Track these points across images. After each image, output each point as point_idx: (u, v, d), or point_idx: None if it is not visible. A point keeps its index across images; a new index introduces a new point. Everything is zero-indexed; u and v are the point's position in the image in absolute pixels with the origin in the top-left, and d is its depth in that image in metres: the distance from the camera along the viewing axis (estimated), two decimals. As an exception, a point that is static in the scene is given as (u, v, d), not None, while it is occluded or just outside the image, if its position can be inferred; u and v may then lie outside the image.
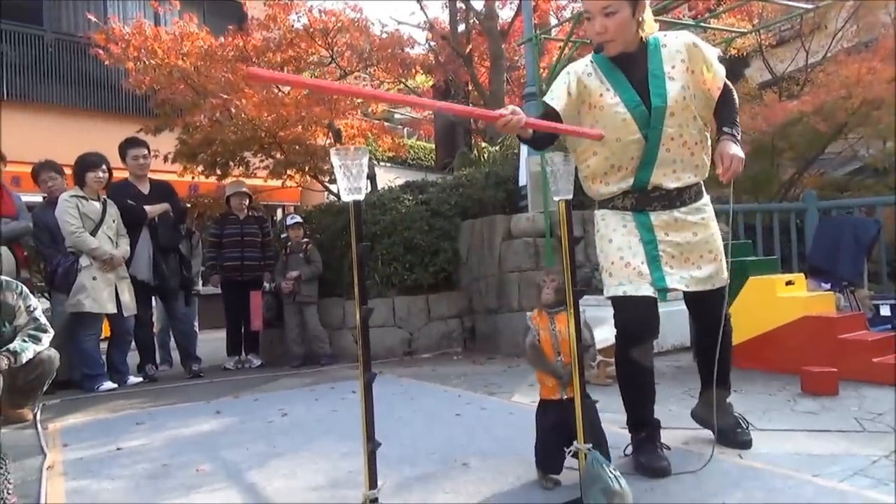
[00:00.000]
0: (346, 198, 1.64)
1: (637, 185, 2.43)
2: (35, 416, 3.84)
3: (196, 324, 6.23)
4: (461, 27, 10.58)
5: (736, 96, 2.51)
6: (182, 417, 3.75)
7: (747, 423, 2.71)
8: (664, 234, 2.42)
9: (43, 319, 3.81)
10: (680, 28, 6.91)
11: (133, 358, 5.42)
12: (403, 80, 9.86)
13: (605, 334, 4.04)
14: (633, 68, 2.39)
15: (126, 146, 5.48)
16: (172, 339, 6.00)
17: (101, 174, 5.00)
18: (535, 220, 5.67)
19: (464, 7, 10.43)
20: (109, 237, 4.97)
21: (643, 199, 2.44)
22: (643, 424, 2.48)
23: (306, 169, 7.45)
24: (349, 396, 4.08)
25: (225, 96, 6.46)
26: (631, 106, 2.35)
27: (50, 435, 3.46)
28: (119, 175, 5.46)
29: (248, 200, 6.23)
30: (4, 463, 2.21)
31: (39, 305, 3.92)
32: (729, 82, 2.47)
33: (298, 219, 6.14)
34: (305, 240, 5.97)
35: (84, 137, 7.69)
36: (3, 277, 3.80)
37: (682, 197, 2.45)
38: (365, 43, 8.05)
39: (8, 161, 5.09)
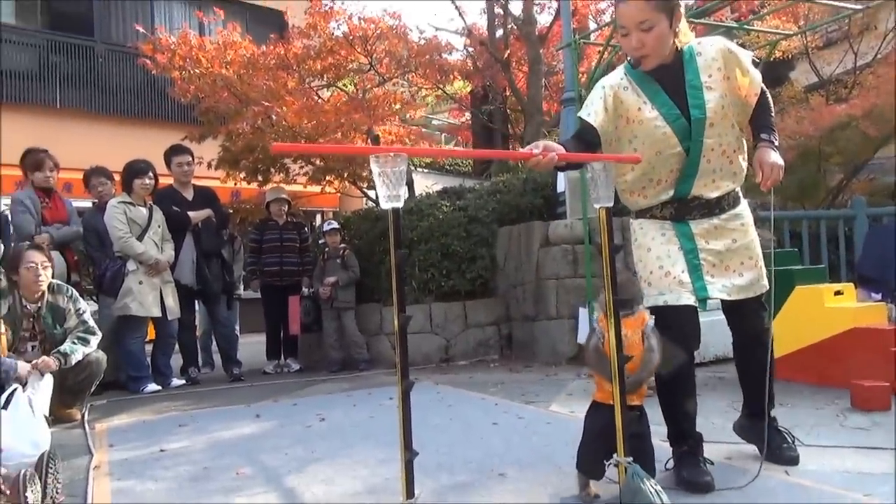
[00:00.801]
0: (385, 205, 1.65)
1: (677, 195, 2.40)
2: (83, 415, 3.96)
3: (237, 327, 6.34)
4: (499, 32, 10.58)
5: (770, 100, 2.46)
6: (223, 420, 3.81)
7: (794, 437, 2.63)
8: (704, 243, 2.38)
9: (92, 322, 3.93)
10: (723, 31, 6.80)
11: (176, 360, 5.55)
12: (441, 86, 9.89)
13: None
14: (669, 79, 2.34)
15: (171, 153, 5.62)
16: (214, 342, 6.12)
17: (147, 181, 5.14)
18: (573, 226, 5.61)
19: (502, 12, 10.43)
20: (155, 242, 5.09)
21: (683, 209, 2.41)
22: (685, 437, 2.43)
23: (345, 175, 7.54)
24: (386, 402, 4.10)
25: (266, 104, 6.58)
26: (670, 119, 2.31)
27: (97, 435, 3.56)
28: (164, 181, 5.60)
29: (287, 206, 6.33)
30: (54, 462, 2.27)
31: (88, 308, 4.05)
32: (764, 86, 2.42)
33: (335, 225, 6.21)
34: (343, 245, 6.03)
35: (132, 144, 7.91)
36: (55, 281, 3.93)
37: (720, 204, 2.41)
38: (403, 49, 8.11)
39: (60, 167, 5.27)
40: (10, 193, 5.33)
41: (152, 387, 4.96)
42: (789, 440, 2.57)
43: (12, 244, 4.49)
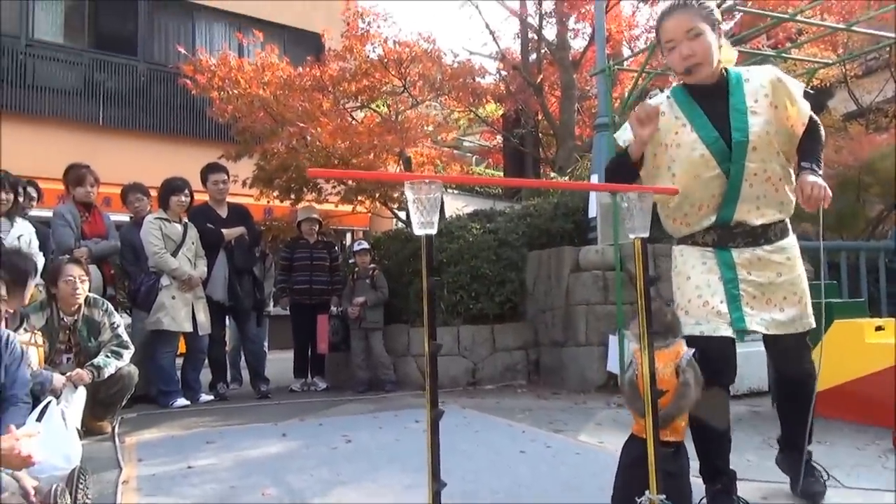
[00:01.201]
0: (419, 231, 1.64)
1: (719, 221, 2.35)
2: (113, 428, 4.01)
3: (266, 344, 6.39)
4: (532, 57, 10.63)
5: (822, 133, 2.43)
6: (250, 438, 3.82)
7: (828, 474, 2.53)
8: (746, 273, 2.32)
9: (125, 336, 4.00)
10: (760, 59, 6.73)
11: (205, 375, 5.60)
12: (473, 108, 9.95)
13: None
14: (712, 102, 2.32)
15: (207, 171, 5.72)
16: (243, 358, 6.17)
17: (183, 198, 5.24)
18: (604, 252, 5.56)
19: (536, 37, 10.49)
20: (189, 258, 5.17)
21: (726, 235, 2.36)
22: (719, 474, 2.35)
23: (376, 195, 7.59)
24: (412, 425, 4.07)
25: (301, 124, 6.68)
26: (708, 141, 2.29)
27: (126, 449, 3.59)
28: (200, 199, 5.69)
29: (318, 226, 6.38)
30: (85, 477, 2.30)
31: (122, 322, 4.11)
32: (816, 117, 2.39)
33: (365, 245, 6.23)
34: (372, 266, 6.05)
35: (170, 161, 8.10)
36: (91, 294, 4.01)
37: (766, 234, 2.35)
38: (437, 72, 8.19)
39: (100, 182, 5.40)
40: (53, 207, 5.46)
41: (181, 401, 5.00)
42: (818, 475, 2.49)
43: (53, 257, 4.59)
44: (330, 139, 6.59)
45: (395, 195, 7.63)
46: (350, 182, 7.31)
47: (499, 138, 14.06)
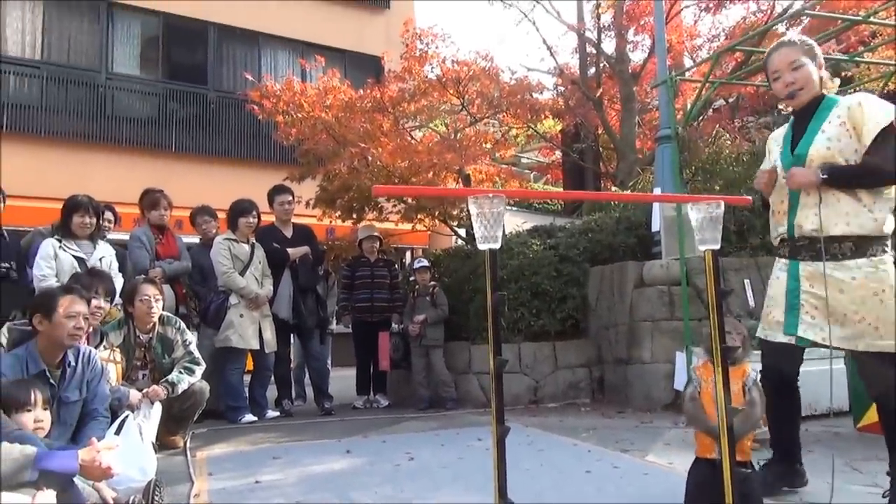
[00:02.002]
0: (483, 246, 1.64)
1: (789, 231, 2.65)
2: (185, 443, 4.13)
3: (329, 362, 6.49)
4: (591, 71, 10.55)
5: (875, 162, 2.46)
6: (315, 454, 3.87)
7: None
8: (809, 286, 2.55)
9: (197, 353, 4.14)
10: (831, 64, 6.46)
11: (271, 392, 5.72)
12: (532, 124, 9.93)
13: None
14: (802, 124, 2.66)
15: (274, 193, 5.90)
16: (307, 375, 6.28)
17: (251, 219, 5.41)
18: (669, 267, 5.42)
19: (594, 51, 10.41)
20: (256, 277, 5.32)
21: (794, 248, 2.65)
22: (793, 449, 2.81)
23: (436, 213, 7.64)
24: (475, 444, 4.04)
25: (363, 145, 6.81)
26: (783, 156, 2.70)
27: (197, 463, 3.70)
28: (265, 220, 5.86)
29: (378, 244, 6.47)
30: (160, 490, 2.37)
31: (194, 340, 4.26)
32: (881, 154, 2.44)
33: (426, 263, 6.27)
34: (432, 283, 6.08)
35: (237, 185, 8.37)
36: (165, 313, 4.17)
37: (830, 250, 2.50)
38: (495, 90, 8.22)
39: (173, 206, 5.63)
40: (130, 230, 5.72)
41: (249, 417, 5.12)
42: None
43: (129, 278, 4.80)
44: (390, 159, 6.69)
45: (455, 212, 7.66)
46: (410, 200, 7.39)
47: (557, 154, 13.98)
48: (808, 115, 2.62)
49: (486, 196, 1.62)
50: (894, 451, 2.50)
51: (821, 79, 2.62)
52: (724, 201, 1.87)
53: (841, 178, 2.46)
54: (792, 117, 2.74)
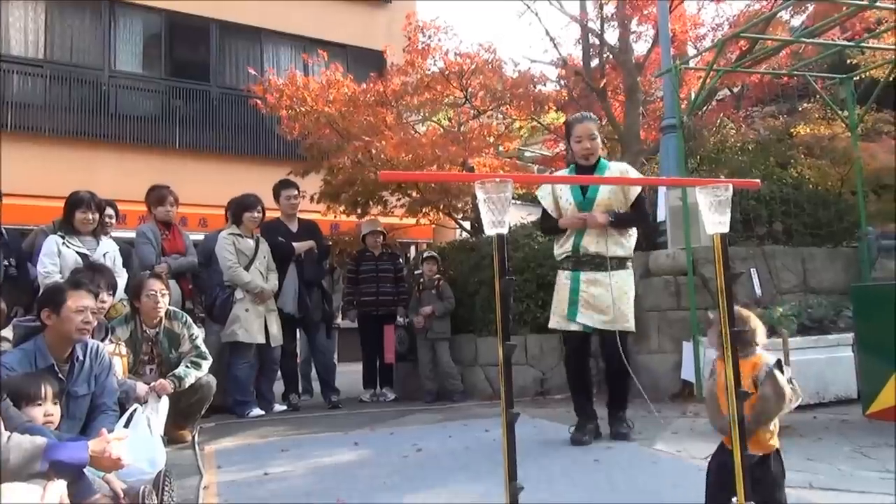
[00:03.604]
0: (490, 231, 1.63)
1: (574, 250, 3.75)
2: (193, 437, 4.14)
3: (335, 356, 6.49)
4: (594, 62, 10.47)
5: (639, 217, 3.91)
6: (323, 447, 3.88)
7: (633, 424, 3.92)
8: (585, 287, 3.71)
9: (203, 347, 4.14)
10: (836, 51, 6.43)
11: (278, 387, 5.73)
12: (536, 117, 9.88)
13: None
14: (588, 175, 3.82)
15: (280, 187, 5.89)
16: (313, 369, 6.28)
17: (256, 214, 5.40)
18: (675, 256, 5.40)
19: (597, 42, 10.34)
20: (261, 272, 5.32)
21: (578, 262, 3.75)
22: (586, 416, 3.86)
23: (440, 206, 7.62)
24: (482, 435, 4.04)
25: (366, 138, 6.80)
26: (574, 196, 3.78)
27: (206, 456, 3.71)
28: (269, 214, 5.85)
29: (382, 238, 6.46)
30: (170, 480, 2.38)
31: (201, 334, 4.26)
32: (639, 209, 3.84)
33: (433, 254, 6.27)
34: (437, 276, 6.07)
35: (241, 181, 8.33)
36: (171, 308, 4.17)
37: (606, 265, 3.67)
38: (498, 83, 8.18)
39: (179, 203, 5.63)
40: (135, 227, 5.71)
41: (256, 411, 5.13)
42: (628, 425, 3.87)
43: (135, 273, 4.81)
44: (394, 152, 6.67)
45: (460, 205, 7.65)
46: (415, 193, 7.38)
47: (561, 146, 13.91)
48: (590, 170, 3.76)
49: (493, 180, 1.61)
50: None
51: (600, 147, 3.81)
52: (732, 184, 1.85)
53: (620, 222, 3.68)
54: (575, 167, 3.90)
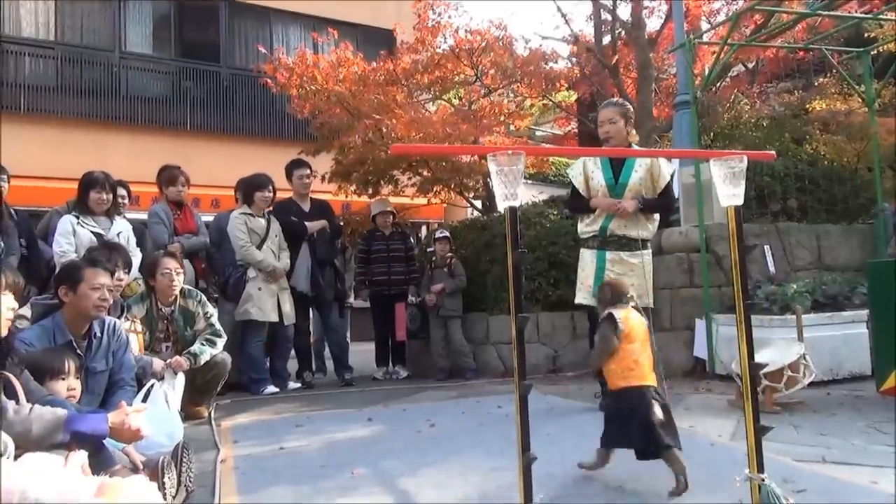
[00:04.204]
0: (503, 204, 1.64)
1: (602, 232, 3.90)
2: (210, 413, 4.20)
3: (348, 335, 6.53)
4: (607, 38, 10.35)
5: (666, 203, 4.10)
6: (337, 423, 3.92)
7: None
8: (610, 266, 3.84)
9: (218, 325, 4.18)
10: (853, 23, 6.31)
11: (291, 365, 5.78)
12: (547, 95, 9.80)
13: (770, 356, 3.73)
14: (619, 162, 3.89)
15: (292, 167, 5.90)
16: (327, 348, 6.33)
17: (267, 193, 5.42)
18: (688, 234, 5.37)
19: (609, 18, 10.21)
20: (273, 251, 5.35)
21: (604, 242, 3.90)
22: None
23: (451, 185, 7.61)
24: (495, 411, 4.07)
25: (377, 116, 6.78)
26: (607, 181, 3.91)
27: (222, 432, 3.76)
28: (280, 195, 5.86)
29: (392, 217, 6.46)
30: (188, 453, 2.42)
31: (215, 312, 4.30)
32: (667, 196, 3.98)
33: (446, 233, 6.27)
34: (450, 255, 6.08)
35: (252, 161, 8.34)
36: (186, 286, 4.21)
37: (630, 246, 3.83)
38: (509, 60, 8.11)
39: (191, 184, 5.64)
40: (147, 208, 5.75)
41: (271, 388, 5.19)
42: None
43: (148, 252, 4.84)
44: (405, 131, 6.65)
45: (471, 184, 7.63)
46: (426, 172, 7.36)
47: (573, 124, 13.81)
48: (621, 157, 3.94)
49: (506, 153, 1.61)
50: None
51: (628, 132, 3.85)
52: (746, 156, 1.84)
53: (648, 208, 3.86)
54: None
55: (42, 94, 10.22)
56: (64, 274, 2.88)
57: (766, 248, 5.31)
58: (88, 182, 4.42)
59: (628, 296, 2.67)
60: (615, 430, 2.48)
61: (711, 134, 6.89)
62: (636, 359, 2.50)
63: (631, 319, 2.57)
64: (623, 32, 9.97)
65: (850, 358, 4.54)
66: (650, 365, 2.52)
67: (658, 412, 2.37)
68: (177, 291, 4.05)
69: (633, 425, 2.38)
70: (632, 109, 4.03)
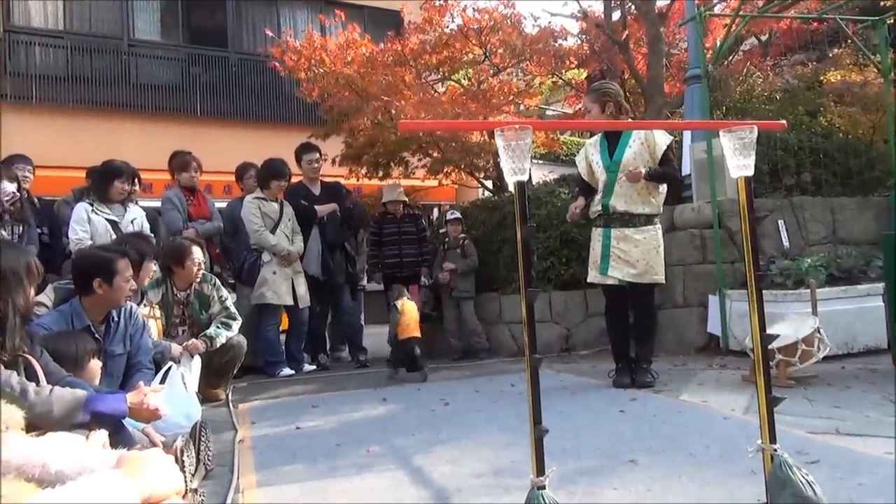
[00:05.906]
0: (511, 179, 1.63)
1: (604, 209, 3.99)
2: (227, 395, 4.26)
3: (362, 317, 6.57)
4: (616, 14, 10.21)
5: (670, 172, 4.05)
6: (352, 403, 3.97)
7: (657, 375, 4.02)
8: (615, 243, 3.94)
9: (233, 308, 4.22)
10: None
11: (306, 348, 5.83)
12: (557, 73, 9.71)
13: (784, 330, 3.71)
14: (615, 139, 4.04)
15: (301, 151, 5.91)
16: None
17: (283, 183, 5.44)
18: (700, 210, 5.33)
19: (619, -8, 10.07)
20: (286, 235, 5.38)
21: (608, 219, 3.99)
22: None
23: (462, 166, 7.58)
24: (508, 389, 4.10)
25: (386, 98, 6.75)
26: (602, 159, 4.07)
27: (240, 413, 3.83)
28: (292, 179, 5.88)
29: (402, 205, 6.43)
30: (206, 432, 2.46)
31: (230, 296, 4.35)
32: (668, 164, 4.01)
33: (458, 214, 6.26)
34: (462, 235, 6.08)
35: (262, 146, 8.36)
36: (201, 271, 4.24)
37: (634, 222, 3.93)
38: (517, 39, 8.03)
39: (202, 170, 5.67)
40: (160, 195, 5.78)
41: (286, 371, 5.25)
42: (651, 375, 3.99)
43: (162, 238, 4.89)
44: (414, 111, 6.61)
45: (481, 164, 7.60)
46: (436, 154, 7.34)
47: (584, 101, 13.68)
48: (616, 135, 4.03)
49: (513, 128, 1.61)
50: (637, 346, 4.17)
51: (611, 112, 3.91)
52: (757, 126, 1.82)
53: (653, 176, 3.87)
54: (603, 135, 4.16)
55: (52, 83, 10.27)
56: (98, 266, 2.85)
57: (780, 222, 5.27)
58: (114, 171, 4.44)
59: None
60: None
61: (724, 108, 6.80)
62: None
63: None
64: (633, 7, 9.82)
65: (865, 332, 4.51)
66: None
67: None
68: (198, 279, 4.09)
69: None
70: (611, 87, 4.14)
